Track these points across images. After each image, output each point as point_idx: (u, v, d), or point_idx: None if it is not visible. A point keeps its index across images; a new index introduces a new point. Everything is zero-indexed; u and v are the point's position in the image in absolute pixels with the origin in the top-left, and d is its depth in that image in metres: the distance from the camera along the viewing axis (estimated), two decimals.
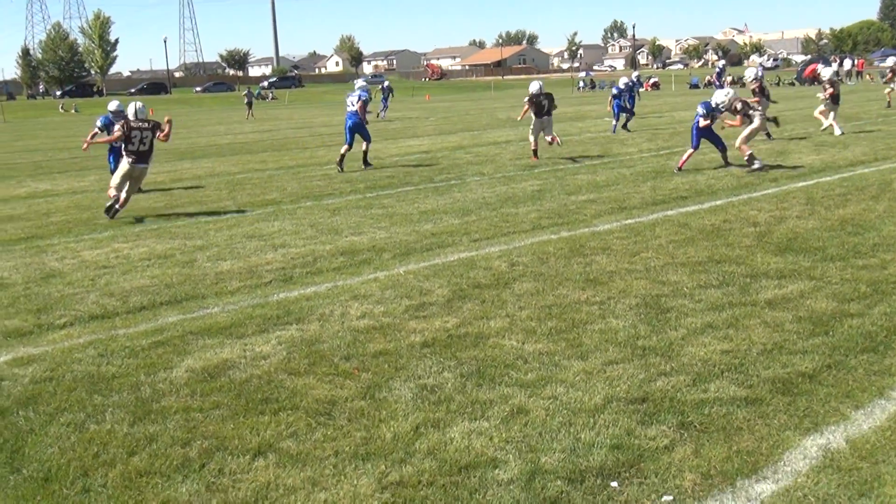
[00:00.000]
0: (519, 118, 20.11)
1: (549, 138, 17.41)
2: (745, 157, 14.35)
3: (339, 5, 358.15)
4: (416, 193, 13.73)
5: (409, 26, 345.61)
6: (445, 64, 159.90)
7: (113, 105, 16.23)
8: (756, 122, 14.63)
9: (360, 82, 18.85)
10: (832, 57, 69.72)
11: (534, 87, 17.58)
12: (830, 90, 21.85)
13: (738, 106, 14.57)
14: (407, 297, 7.48)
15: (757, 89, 20.22)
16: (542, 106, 17.40)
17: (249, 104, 47.60)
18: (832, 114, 21.48)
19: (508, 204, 12.14)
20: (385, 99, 39.27)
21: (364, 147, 18.05)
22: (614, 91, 25.73)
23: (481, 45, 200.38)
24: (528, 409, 4.93)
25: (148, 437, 4.82)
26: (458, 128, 28.64)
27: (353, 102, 17.83)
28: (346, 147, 17.68)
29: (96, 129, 16.13)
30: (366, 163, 18.01)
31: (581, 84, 78.06)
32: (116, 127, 13.96)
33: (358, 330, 6.60)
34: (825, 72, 23.80)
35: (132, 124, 12.45)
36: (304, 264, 8.93)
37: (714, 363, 5.52)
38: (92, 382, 5.73)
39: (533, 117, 17.51)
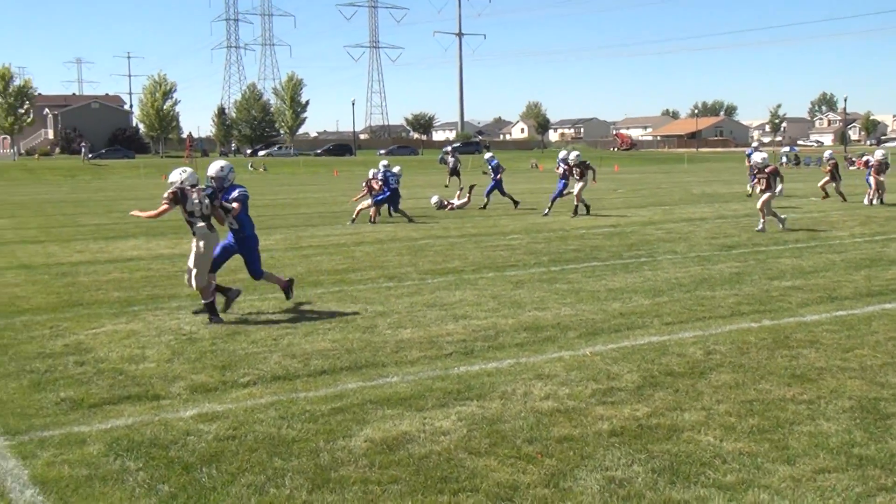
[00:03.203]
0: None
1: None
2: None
3: (526, 71, 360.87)
4: (603, 269, 13.26)
5: (598, 94, 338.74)
6: (636, 134, 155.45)
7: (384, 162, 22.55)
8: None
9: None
10: None
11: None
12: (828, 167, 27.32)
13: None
14: (594, 380, 7.11)
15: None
16: None
17: (454, 171, 36.50)
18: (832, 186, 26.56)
19: (703, 286, 11.47)
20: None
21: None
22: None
23: (675, 116, 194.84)
24: None
25: None
26: (649, 202, 27.86)
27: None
28: None
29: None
30: None
31: (784, 159, 71.83)
32: None
33: (541, 412, 6.30)
34: (826, 153, 29.48)
35: None
36: (485, 338, 8.72)
37: None
38: (273, 445, 5.73)
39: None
